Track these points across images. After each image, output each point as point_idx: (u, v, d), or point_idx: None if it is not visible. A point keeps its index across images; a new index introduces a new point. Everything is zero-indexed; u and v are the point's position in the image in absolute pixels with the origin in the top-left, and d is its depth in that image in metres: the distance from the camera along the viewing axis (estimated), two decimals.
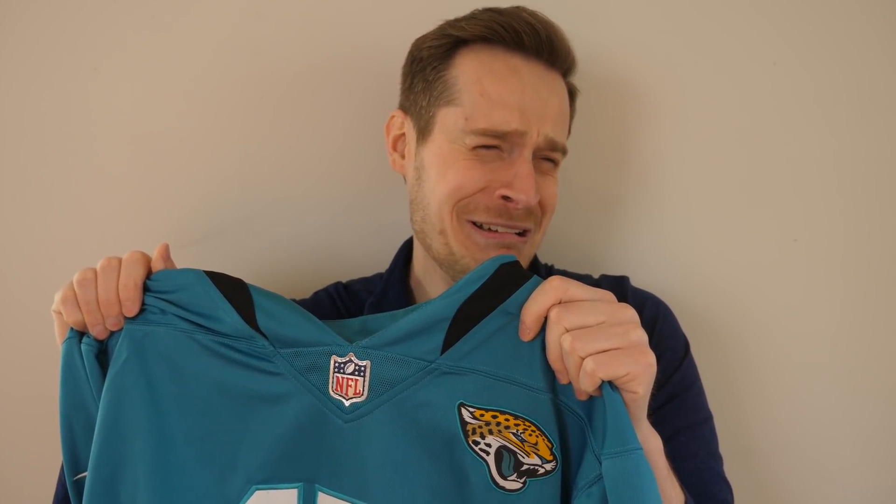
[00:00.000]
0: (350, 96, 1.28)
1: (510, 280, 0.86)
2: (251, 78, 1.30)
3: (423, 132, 1.09)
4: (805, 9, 1.26)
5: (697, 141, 1.29)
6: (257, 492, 0.88)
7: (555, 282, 0.83)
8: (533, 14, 1.07)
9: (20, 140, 1.29)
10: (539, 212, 1.08)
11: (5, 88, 1.28)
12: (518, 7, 1.08)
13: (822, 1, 1.25)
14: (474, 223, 1.05)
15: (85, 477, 0.89)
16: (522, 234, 1.08)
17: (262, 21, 1.29)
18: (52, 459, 0.96)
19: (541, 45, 1.05)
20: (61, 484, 0.97)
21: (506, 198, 1.04)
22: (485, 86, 1.04)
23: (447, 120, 1.06)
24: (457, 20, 1.09)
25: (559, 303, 0.82)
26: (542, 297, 0.83)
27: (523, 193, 1.02)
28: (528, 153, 1.04)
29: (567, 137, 1.13)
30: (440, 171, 1.06)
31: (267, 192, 1.32)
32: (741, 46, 1.27)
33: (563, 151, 1.10)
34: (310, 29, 1.30)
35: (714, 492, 1.07)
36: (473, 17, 1.09)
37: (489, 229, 1.05)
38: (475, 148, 1.04)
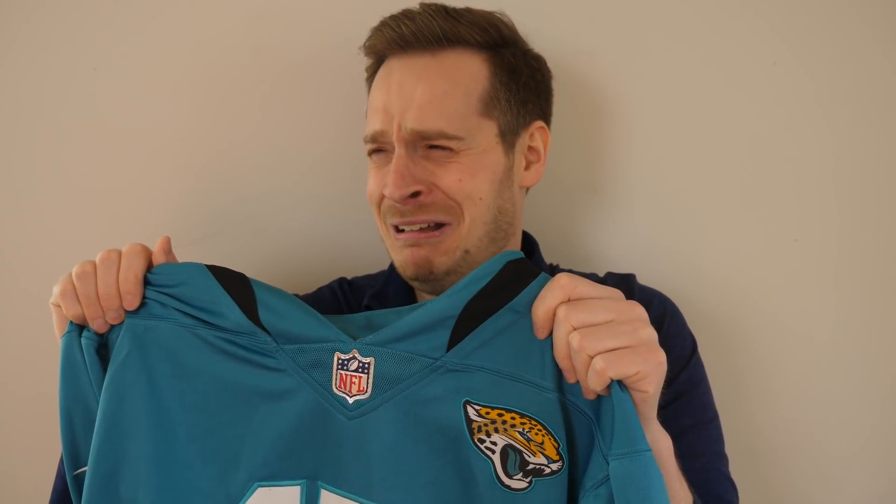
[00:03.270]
0: (354, 93, 1.26)
1: (517, 277, 0.85)
2: (252, 76, 1.30)
3: None
4: (805, 9, 1.25)
5: (701, 139, 1.28)
6: (260, 489, 0.87)
7: (563, 279, 0.82)
8: (397, 14, 1.08)
9: (21, 138, 1.29)
10: (448, 201, 1.04)
11: (6, 88, 1.28)
12: (405, 8, 1.10)
13: (822, 1, 1.24)
14: (395, 226, 1.07)
15: (85, 472, 0.88)
16: (437, 227, 1.06)
17: (261, 20, 1.29)
18: (52, 454, 0.95)
19: (403, 37, 1.06)
20: (60, 477, 0.96)
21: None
22: (371, 99, 1.11)
23: None
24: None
25: (567, 300, 0.81)
26: (551, 295, 0.82)
27: (387, 188, 1.04)
28: (398, 149, 1.04)
29: (499, 112, 1.07)
30: None
31: (267, 190, 1.32)
32: (742, 46, 1.26)
33: (447, 136, 1.03)
34: (309, 27, 1.30)
35: (719, 492, 1.07)
36: (365, 41, 1.13)
37: (401, 230, 1.07)
38: (370, 155, 1.11)
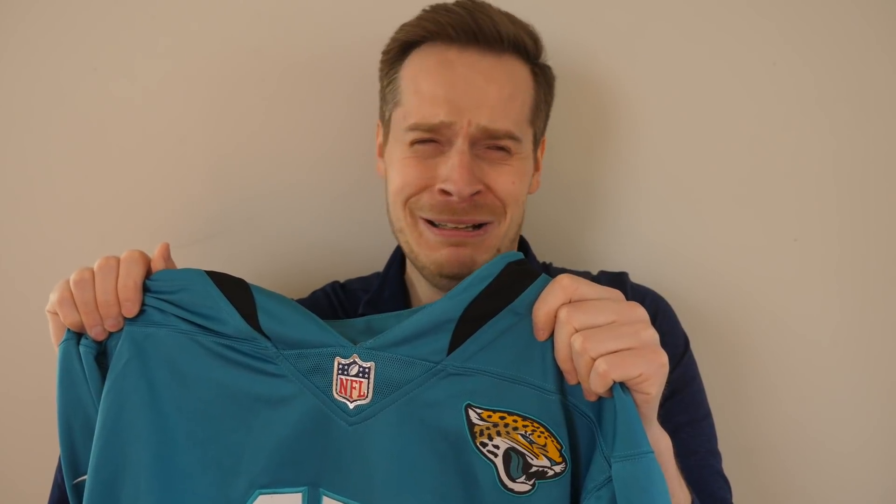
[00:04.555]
0: (350, 94, 1.28)
1: (517, 279, 0.85)
2: (251, 77, 1.29)
3: (386, 136, 1.12)
4: (805, 8, 1.25)
5: (697, 138, 1.29)
6: (261, 496, 0.87)
7: (564, 280, 0.82)
8: (463, 3, 1.07)
9: (20, 139, 1.28)
10: (496, 202, 1.06)
11: (5, 88, 1.27)
12: (458, 2, 1.09)
13: (823, 1, 1.25)
14: (428, 221, 1.06)
15: (85, 480, 0.88)
16: (479, 227, 1.06)
17: (261, 20, 1.28)
18: (51, 462, 0.94)
19: (469, 33, 1.05)
20: (57, 486, 0.95)
21: (444, 192, 1.03)
22: (419, 83, 1.06)
23: (395, 121, 1.08)
24: (403, 24, 1.11)
25: (569, 302, 0.81)
26: (552, 297, 0.82)
27: (453, 184, 1.02)
28: (461, 144, 1.03)
29: (538, 122, 1.11)
30: (391, 172, 1.09)
31: (265, 192, 1.31)
32: (742, 46, 1.27)
33: (513, 138, 1.05)
34: (311, 28, 1.29)
35: (713, 489, 1.07)
36: (417, 17, 1.10)
37: (440, 227, 1.06)
38: (413, 144, 1.05)
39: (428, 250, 1.06)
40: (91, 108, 1.28)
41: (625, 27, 1.28)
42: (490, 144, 1.05)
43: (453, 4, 1.08)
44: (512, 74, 1.07)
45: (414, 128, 1.04)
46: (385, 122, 1.12)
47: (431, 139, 1.05)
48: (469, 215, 1.04)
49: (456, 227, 1.05)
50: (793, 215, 1.28)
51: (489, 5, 1.08)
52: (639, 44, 1.28)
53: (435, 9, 1.08)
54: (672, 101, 1.28)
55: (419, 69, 1.06)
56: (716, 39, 1.27)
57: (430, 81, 1.04)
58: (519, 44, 1.07)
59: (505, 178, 1.06)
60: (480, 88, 1.03)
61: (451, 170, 1.02)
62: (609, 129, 1.31)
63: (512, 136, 1.05)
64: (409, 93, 1.06)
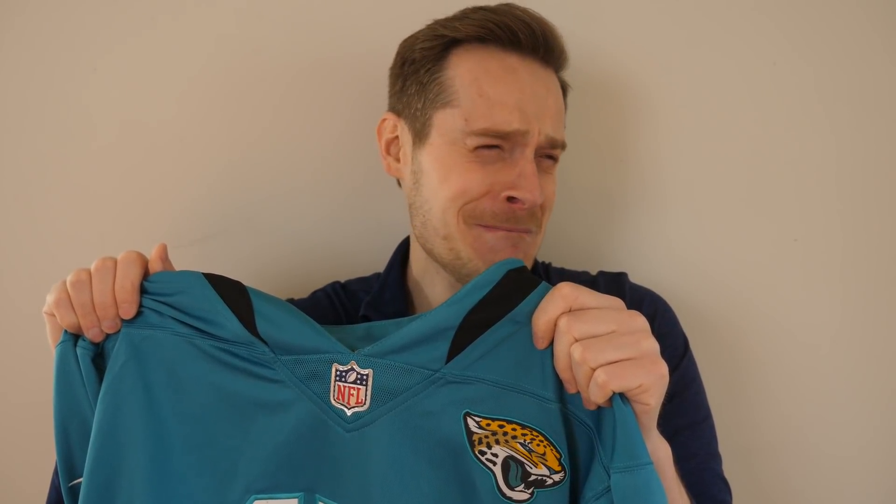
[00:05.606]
0: (349, 95, 1.28)
1: (518, 287, 0.85)
2: (249, 77, 1.29)
3: (420, 135, 1.06)
4: (806, 8, 1.25)
5: (697, 139, 1.28)
6: (257, 501, 0.86)
7: (564, 289, 0.81)
8: (525, 11, 1.05)
9: (19, 139, 1.28)
10: (540, 212, 1.06)
11: (4, 88, 1.27)
12: (508, 4, 1.07)
13: (824, 1, 1.24)
14: (482, 225, 1.03)
15: (80, 483, 0.87)
16: (527, 233, 1.06)
17: (261, 20, 1.28)
18: (48, 464, 0.94)
19: (536, 42, 1.04)
20: (54, 487, 0.95)
21: (511, 199, 1.02)
22: (483, 86, 1.02)
23: (445, 122, 1.04)
24: (448, 20, 1.08)
25: (569, 311, 0.81)
26: (552, 306, 0.81)
27: (529, 193, 1.01)
28: (530, 153, 1.02)
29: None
30: (441, 175, 1.04)
31: (265, 192, 1.31)
32: (742, 46, 1.26)
33: (563, 147, 1.09)
34: (308, 27, 1.28)
35: (713, 492, 1.07)
36: (466, 16, 1.07)
37: (496, 228, 1.03)
38: (476, 149, 1.02)
39: (488, 254, 1.03)
40: (91, 108, 1.28)
41: (624, 28, 1.27)
42: (545, 153, 1.06)
43: (505, 9, 1.05)
44: (557, 88, 1.09)
45: (483, 133, 1.01)
46: (417, 119, 1.07)
47: (498, 145, 1.02)
48: (527, 224, 1.04)
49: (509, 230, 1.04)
50: (793, 216, 1.28)
51: (544, 19, 1.07)
52: (638, 44, 1.28)
53: (497, 10, 1.05)
54: (672, 101, 1.28)
55: (481, 72, 1.03)
56: (715, 40, 1.27)
57: (499, 87, 1.02)
58: (563, 61, 1.10)
59: (551, 188, 1.08)
60: (543, 98, 1.04)
61: (522, 179, 1.01)
62: (609, 129, 1.30)
63: (564, 146, 1.08)
64: (471, 94, 1.02)
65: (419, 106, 1.06)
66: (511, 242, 1.04)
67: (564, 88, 1.13)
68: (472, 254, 1.03)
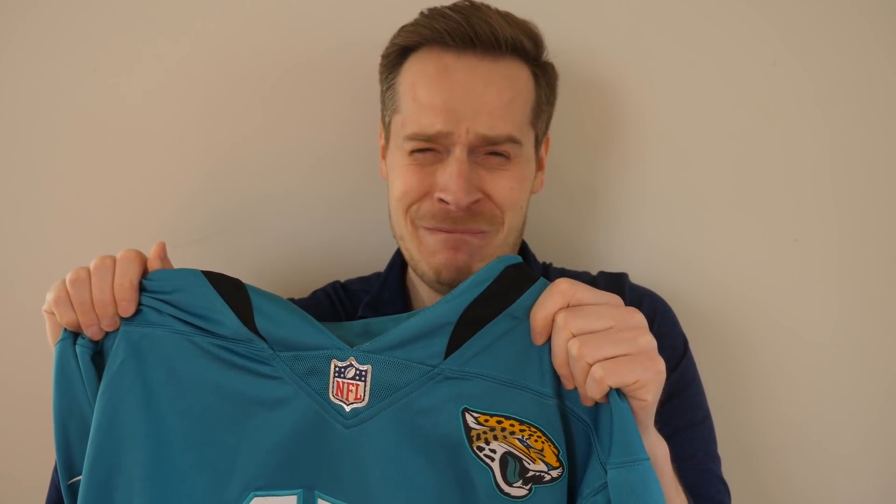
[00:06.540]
0: (349, 95, 1.28)
1: (516, 283, 0.85)
2: (249, 77, 1.29)
3: (387, 141, 1.11)
4: (805, 9, 1.25)
5: (697, 138, 1.28)
6: (256, 498, 0.86)
7: (562, 285, 0.81)
8: (459, 7, 1.06)
9: (19, 139, 1.28)
10: (495, 210, 1.05)
11: (5, 88, 1.27)
12: (456, 3, 1.07)
13: (822, 1, 1.25)
14: (425, 227, 1.05)
15: (79, 481, 0.87)
16: (479, 233, 1.06)
17: (260, 20, 1.28)
18: (48, 461, 0.94)
19: (466, 38, 1.03)
20: (54, 486, 0.95)
21: (443, 201, 1.03)
22: (416, 90, 1.04)
23: (395, 127, 1.08)
24: (402, 27, 1.10)
25: (566, 306, 0.81)
26: (550, 301, 0.81)
27: (451, 194, 1.01)
28: (459, 152, 1.02)
29: (540, 123, 1.10)
30: (391, 179, 1.09)
31: (265, 192, 1.31)
32: (741, 46, 1.26)
33: (514, 142, 1.04)
34: (309, 27, 1.29)
35: (712, 493, 1.07)
36: (416, 21, 1.08)
37: (438, 229, 1.05)
38: (412, 153, 1.05)
39: (428, 256, 1.06)
40: (91, 108, 1.28)
41: (624, 28, 1.27)
42: (489, 150, 1.04)
43: (449, 8, 1.06)
44: (511, 77, 1.05)
45: (412, 137, 1.04)
46: (385, 126, 1.12)
47: (429, 148, 1.04)
48: (466, 224, 1.04)
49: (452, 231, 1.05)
50: (793, 216, 1.28)
51: (487, 7, 1.07)
52: (638, 44, 1.28)
53: (431, 14, 1.07)
54: (671, 101, 1.28)
55: (417, 76, 1.05)
56: (715, 40, 1.27)
57: (428, 89, 1.03)
58: (518, 46, 1.05)
59: (503, 185, 1.05)
60: (479, 94, 1.02)
61: (449, 179, 1.02)
62: (609, 129, 1.30)
63: (513, 140, 1.04)
64: (407, 100, 1.05)
65: (385, 113, 1.11)
66: (451, 244, 1.04)
67: (540, 76, 1.10)
68: (418, 255, 1.07)
